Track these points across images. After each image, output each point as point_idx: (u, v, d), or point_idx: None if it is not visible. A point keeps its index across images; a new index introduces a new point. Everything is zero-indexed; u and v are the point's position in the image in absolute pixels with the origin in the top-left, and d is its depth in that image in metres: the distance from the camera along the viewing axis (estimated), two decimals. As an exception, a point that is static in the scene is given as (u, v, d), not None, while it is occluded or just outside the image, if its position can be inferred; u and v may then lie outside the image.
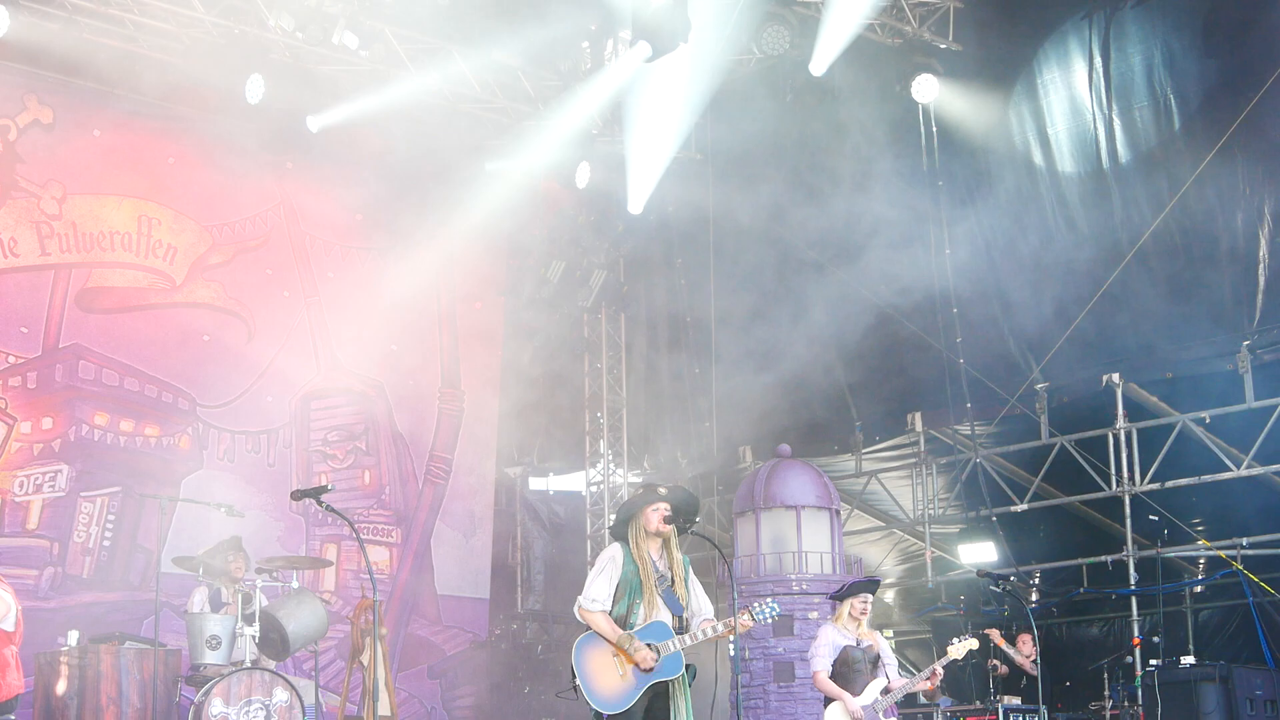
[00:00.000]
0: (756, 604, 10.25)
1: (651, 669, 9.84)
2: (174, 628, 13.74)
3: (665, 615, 10.02)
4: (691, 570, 10.30)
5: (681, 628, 10.01)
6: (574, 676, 9.98)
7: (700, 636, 10.00)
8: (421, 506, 18.11)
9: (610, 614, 9.99)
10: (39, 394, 15.48)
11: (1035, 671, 15.19)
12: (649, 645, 9.87)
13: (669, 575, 10.11)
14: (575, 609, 10.12)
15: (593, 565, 10.38)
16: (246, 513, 14.12)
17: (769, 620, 10.24)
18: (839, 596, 12.43)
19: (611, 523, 10.90)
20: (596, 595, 10.01)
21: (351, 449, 17.62)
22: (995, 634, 16.41)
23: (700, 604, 10.23)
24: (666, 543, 10.14)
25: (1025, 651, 16.28)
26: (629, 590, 10.02)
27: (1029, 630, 15.96)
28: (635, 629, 9.95)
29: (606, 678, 9.89)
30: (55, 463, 15.46)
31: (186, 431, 16.42)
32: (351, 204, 17.41)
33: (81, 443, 15.63)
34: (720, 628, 10.03)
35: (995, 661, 16.26)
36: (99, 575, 15.57)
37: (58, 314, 15.74)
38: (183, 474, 16.23)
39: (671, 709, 9.96)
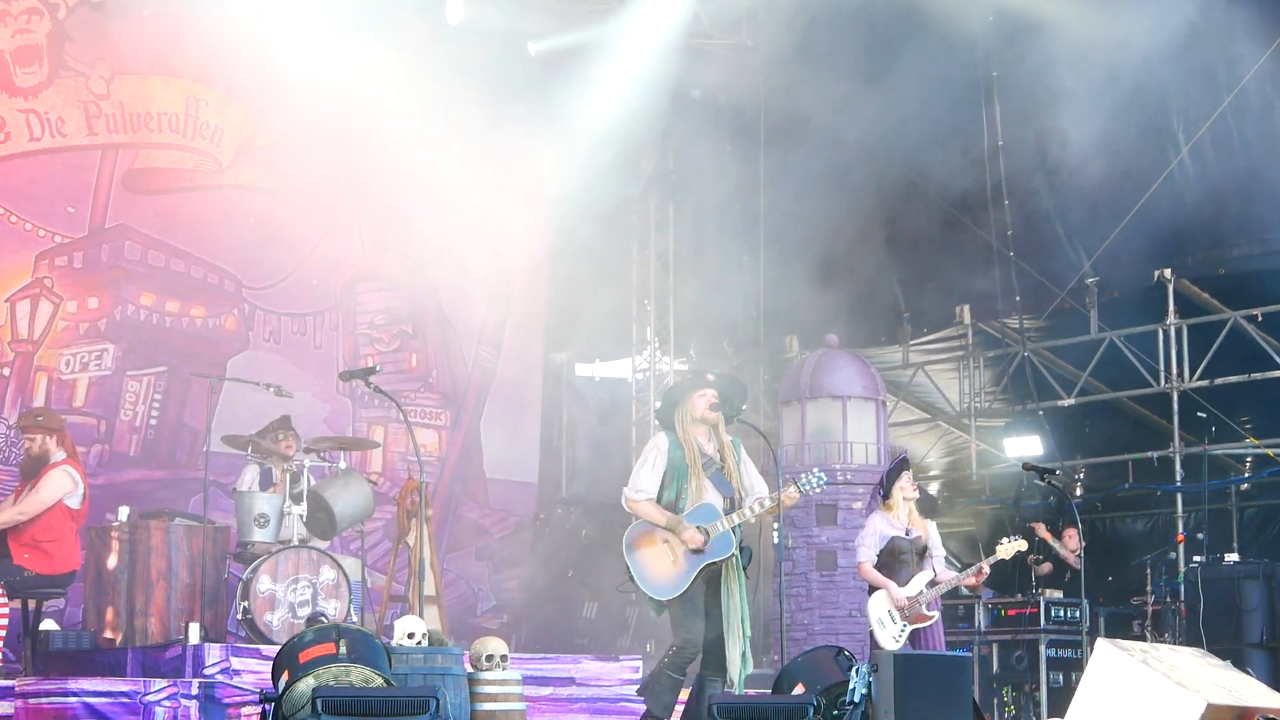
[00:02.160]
0: (803, 475, 10.21)
1: (700, 550, 9.85)
2: (221, 506, 13.81)
3: (714, 497, 10.01)
4: (744, 450, 10.28)
5: (732, 508, 10.00)
6: (628, 569, 10.00)
7: (749, 514, 9.99)
8: (470, 390, 18.10)
9: (659, 502, 10.01)
10: (85, 274, 15.47)
11: (1079, 566, 15.22)
12: (697, 527, 9.88)
13: (717, 459, 10.10)
14: (623, 500, 10.13)
15: (638, 454, 10.39)
16: (294, 394, 14.09)
17: (817, 490, 10.19)
18: (885, 494, 12.32)
19: (657, 407, 10.89)
20: (642, 485, 10.01)
21: (398, 332, 17.60)
22: (1041, 528, 16.43)
23: (753, 482, 10.20)
24: (715, 427, 10.13)
25: (1071, 546, 16.29)
26: (676, 476, 10.01)
27: (1074, 524, 15.98)
28: (684, 513, 9.96)
29: (659, 565, 9.90)
30: (101, 342, 15.49)
31: (232, 312, 16.42)
32: (401, 86, 17.25)
33: (128, 322, 15.64)
34: (768, 503, 10.03)
35: (1038, 556, 16.26)
36: (146, 453, 15.65)
37: (104, 194, 15.70)
38: (229, 354, 16.24)
39: (724, 591, 9.98)
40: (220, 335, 16.26)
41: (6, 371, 14.85)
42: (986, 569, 12.20)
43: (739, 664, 9.90)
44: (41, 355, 15.05)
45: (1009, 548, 12.11)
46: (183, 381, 15.74)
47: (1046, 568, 16.39)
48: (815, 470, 10.35)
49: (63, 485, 11.59)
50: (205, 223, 16.25)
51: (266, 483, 12.94)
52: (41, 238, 15.20)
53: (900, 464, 12.42)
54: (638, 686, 10.41)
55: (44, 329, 15.10)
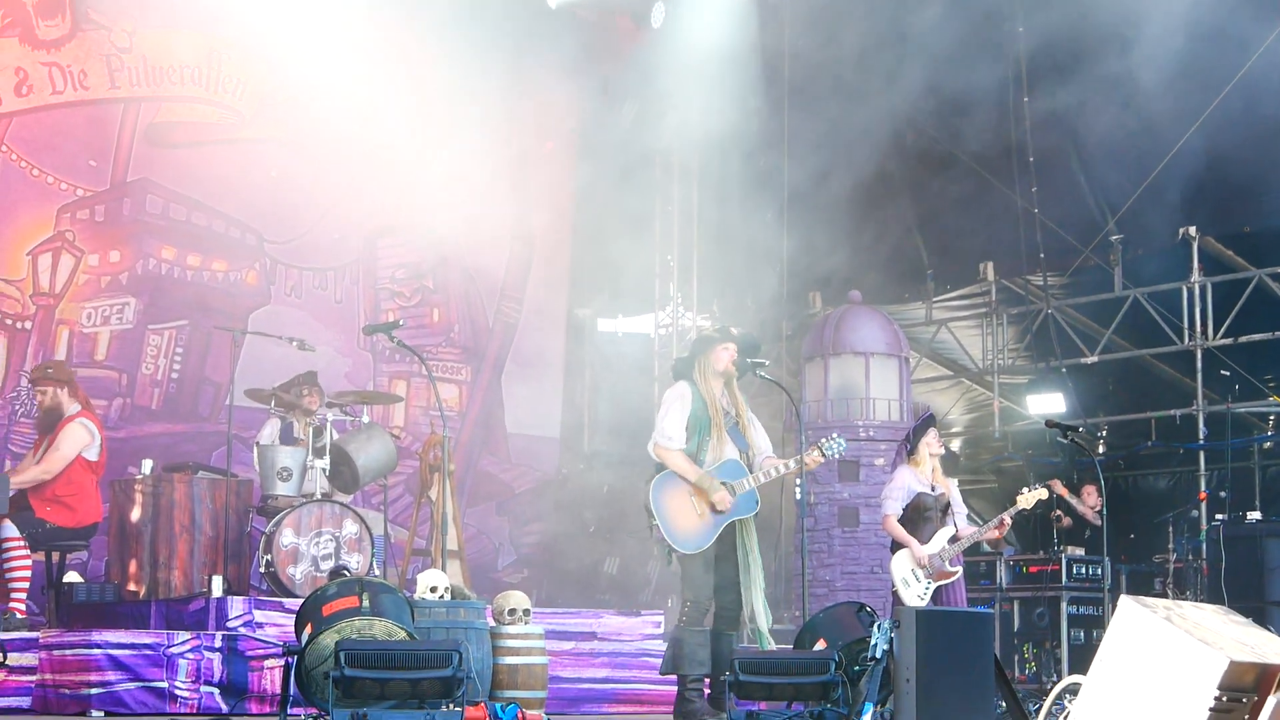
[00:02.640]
0: (824, 440, 10.28)
1: (726, 510, 9.88)
2: (243, 459, 13.81)
3: (734, 453, 10.07)
4: (749, 409, 10.36)
5: (748, 464, 10.06)
6: (651, 516, 10.01)
7: (770, 474, 10.04)
8: (492, 345, 18.06)
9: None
10: (106, 227, 15.46)
11: (1099, 523, 15.20)
12: (725, 485, 9.91)
13: (733, 413, 10.19)
14: (650, 447, 10.16)
15: (660, 406, 10.42)
16: (316, 348, 14.07)
17: (837, 455, 10.27)
18: (912, 450, 12.27)
19: (681, 357, 10.93)
20: (673, 434, 10.06)
21: (419, 287, 17.56)
22: (1059, 484, 16.39)
23: (761, 441, 10.33)
24: (729, 382, 10.21)
25: (1090, 503, 16.28)
26: (698, 427, 10.08)
27: (1095, 481, 15.95)
28: (707, 467, 9.99)
29: (685, 517, 9.94)
30: (123, 295, 15.49)
31: (254, 267, 16.40)
32: (424, 39, 17.17)
33: (149, 276, 15.63)
34: (793, 464, 10.07)
35: (1059, 512, 16.26)
36: (167, 407, 15.66)
37: (126, 148, 15.67)
38: (250, 309, 16.22)
39: (741, 546, 10.02)
40: (242, 289, 16.25)
41: (28, 325, 14.87)
42: (1008, 520, 12.20)
43: (764, 614, 9.95)
44: (63, 309, 15.06)
45: (1029, 497, 12.11)
46: (204, 335, 15.74)
47: (1067, 522, 16.38)
48: (835, 435, 10.42)
49: (80, 438, 11.65)
50: (227, 177, 16.18)
51: (287, 436, 12.94)
52: (63, 191, 15.18)
53: (926, 420, 12.42)
54: (659, 668, 10.40)
55: (65, 282, 15.10)
